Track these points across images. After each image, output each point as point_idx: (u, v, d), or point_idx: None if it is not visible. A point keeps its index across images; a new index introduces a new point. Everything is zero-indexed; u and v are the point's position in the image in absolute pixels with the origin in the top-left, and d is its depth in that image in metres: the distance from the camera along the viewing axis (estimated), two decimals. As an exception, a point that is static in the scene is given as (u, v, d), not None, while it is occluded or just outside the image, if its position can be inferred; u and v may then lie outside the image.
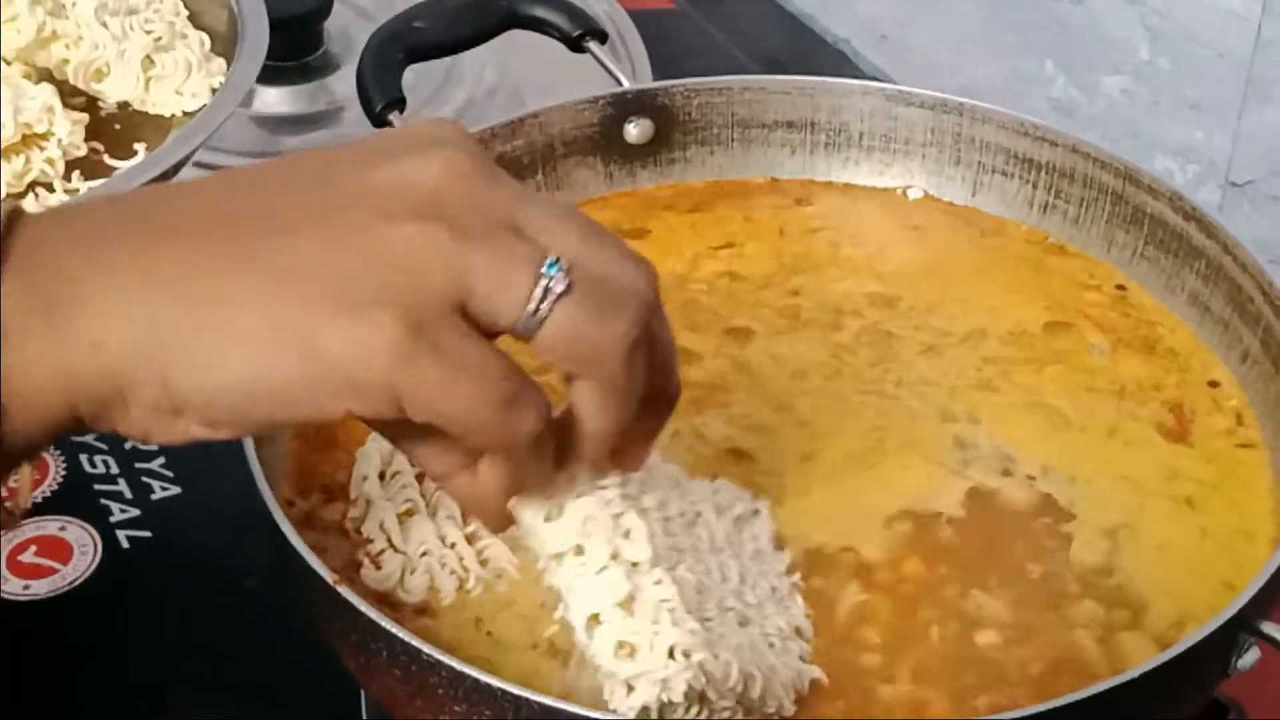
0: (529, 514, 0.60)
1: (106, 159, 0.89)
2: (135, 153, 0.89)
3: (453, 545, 0.69)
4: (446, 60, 1.01)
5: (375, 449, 0.72)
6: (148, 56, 0.92)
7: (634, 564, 0.61)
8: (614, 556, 0.61)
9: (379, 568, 0.68)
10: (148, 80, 0.92)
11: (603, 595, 0.61)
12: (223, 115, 0.86)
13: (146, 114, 0.92)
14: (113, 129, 0.91)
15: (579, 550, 0.65)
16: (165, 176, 0.82)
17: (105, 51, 0.91)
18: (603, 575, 0.61)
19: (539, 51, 0.96)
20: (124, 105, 0.93)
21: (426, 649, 0.60)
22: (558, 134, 0.87)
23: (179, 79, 0.92)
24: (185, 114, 0.92)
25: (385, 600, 0.67)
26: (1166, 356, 0.79)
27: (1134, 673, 0.59)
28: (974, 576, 0.68)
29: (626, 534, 0.61)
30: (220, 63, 0.93)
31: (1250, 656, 0.63)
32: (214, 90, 0.91)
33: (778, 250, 0.86)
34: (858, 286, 0.83)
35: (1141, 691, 0.59)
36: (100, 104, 0.93)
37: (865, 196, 0.90)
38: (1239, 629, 0.62)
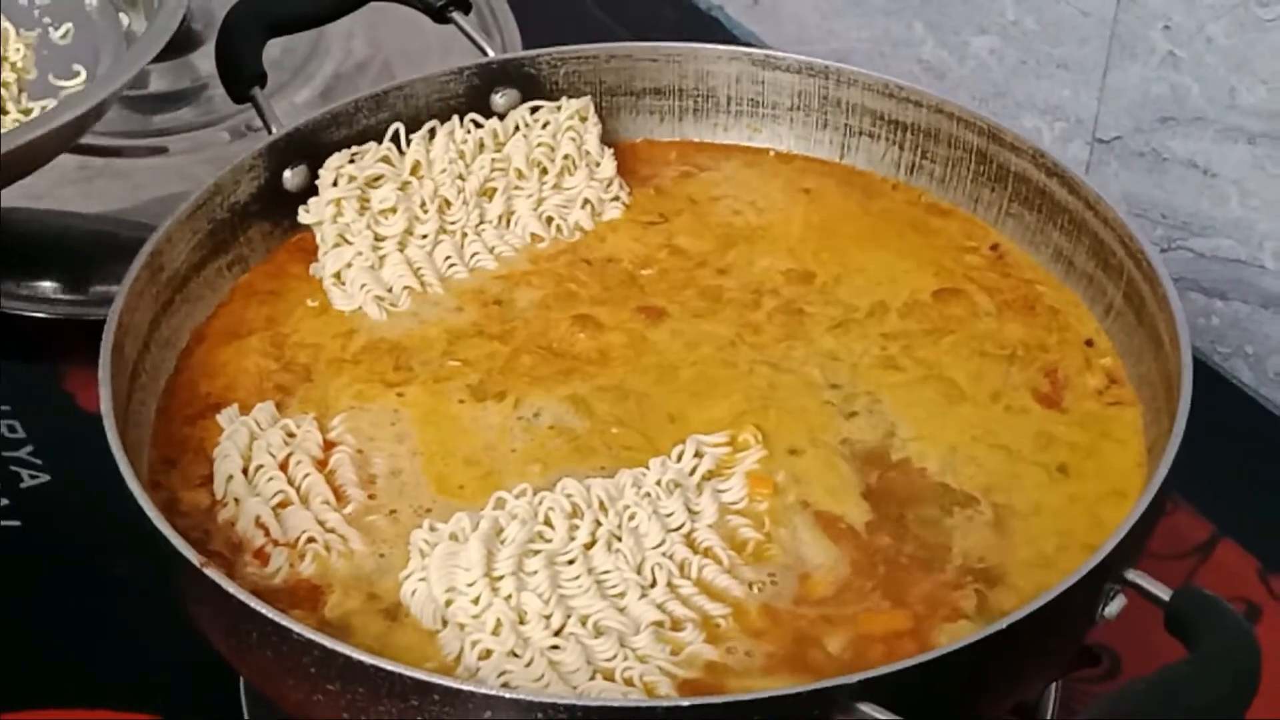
0: None
1: (51, 79, 1.00)
2: (77, 73, 1.00)
3: (332, 530, 0.68)
4: (313, 33, 1.00)
5: (232, 445, 0.71)
6: None
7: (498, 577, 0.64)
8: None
9: (265, 563, 0.67)
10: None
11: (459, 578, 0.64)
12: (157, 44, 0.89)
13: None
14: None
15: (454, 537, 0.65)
16: (84, 122, 0.87)
17: None
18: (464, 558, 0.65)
19: (410, 22, 0.95)
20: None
21: (297, 628, 0.60)
22: (424, 106, 0.87)
23: None
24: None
25: (278, 593, 0.66)
26: (1046, 315, 0.80)
27: (1002, 624, 0.60)
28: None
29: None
30: None
31: (1117, 605, 0.64)
32: None
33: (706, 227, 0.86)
34: (775, 263, 0.83)
35: (1011, 643, 0.60)
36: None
37: (737, 155, 0.90)
38: (1104, 578, 0.63)
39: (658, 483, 0.69)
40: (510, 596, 0.64)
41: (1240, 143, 0.98)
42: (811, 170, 0.89)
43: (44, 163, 0.88)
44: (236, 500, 0.69)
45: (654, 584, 0.66)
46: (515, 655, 0.63)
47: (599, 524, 0.67)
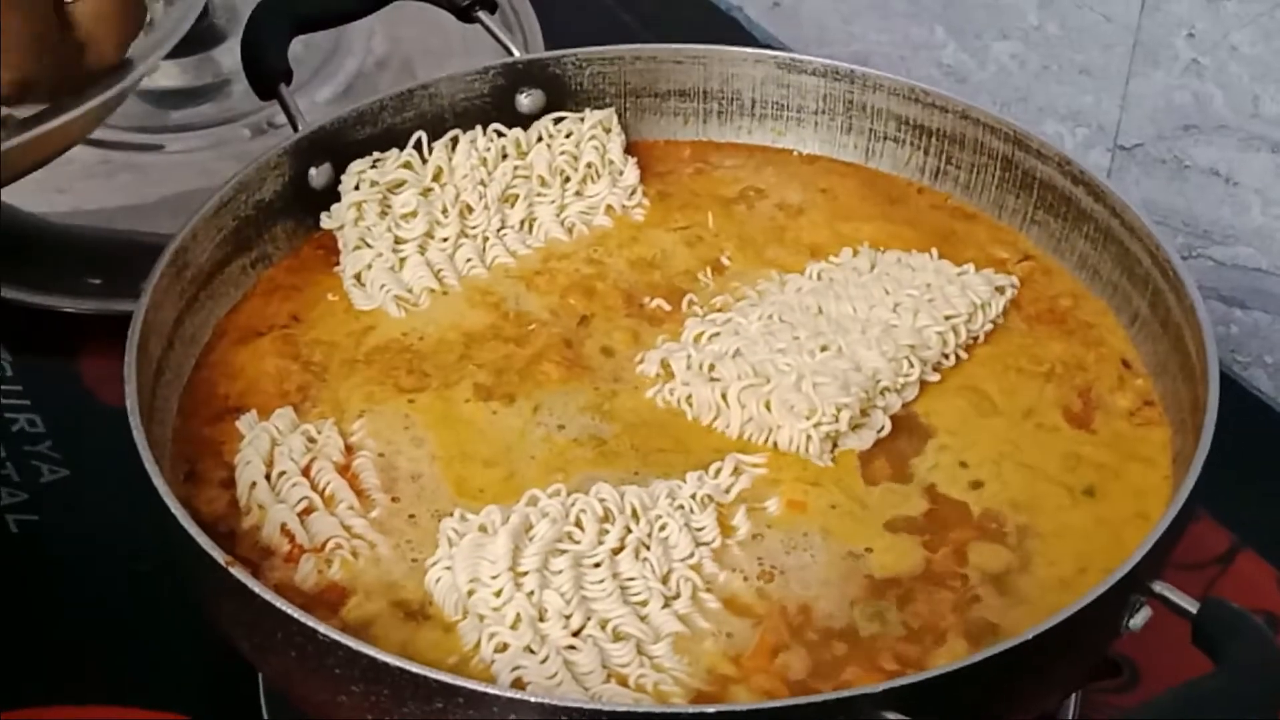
0: None
1: None
2: None
3: (359, 535, 0.68)
4: (334, 30, 1.00)
5: (254, 452, 0.71)
6: None
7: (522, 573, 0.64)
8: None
9: (294, 568, 0.67)
10: None
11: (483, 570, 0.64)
12: (173, 37, 0.85)
13: None
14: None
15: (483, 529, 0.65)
16: (108, 106, 0.83)
17: None
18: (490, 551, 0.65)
19: (431, 20, 0.95)
20: None
21: (322, 629, 0.60)
22: (448, 105, 0.86)
23: None
24: None
25: (304, 596, 0.66)
26: (1081, 330, 0.79)
27: (1028, 634, 0.60)
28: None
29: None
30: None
31: (1142, 616, 0.63)
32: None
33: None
34: (796, 264, 0.82)
35: (1036, 653, 0.60)
36: None
37: (758, 154, 0.90)
38: (1130, 590, 0.62)
39: (693, 496, 0.69)
40: (532, 593, 0.64)
41: (1263, 151, 0.98)
42: (835, 171, 0.89)
43: (61, 153, 0.87)
44: (260, 506, 0.69)
45: (678, 596, 0.66)
46: (531, 651, 0.63)
47: (629, 530, 0.67)
